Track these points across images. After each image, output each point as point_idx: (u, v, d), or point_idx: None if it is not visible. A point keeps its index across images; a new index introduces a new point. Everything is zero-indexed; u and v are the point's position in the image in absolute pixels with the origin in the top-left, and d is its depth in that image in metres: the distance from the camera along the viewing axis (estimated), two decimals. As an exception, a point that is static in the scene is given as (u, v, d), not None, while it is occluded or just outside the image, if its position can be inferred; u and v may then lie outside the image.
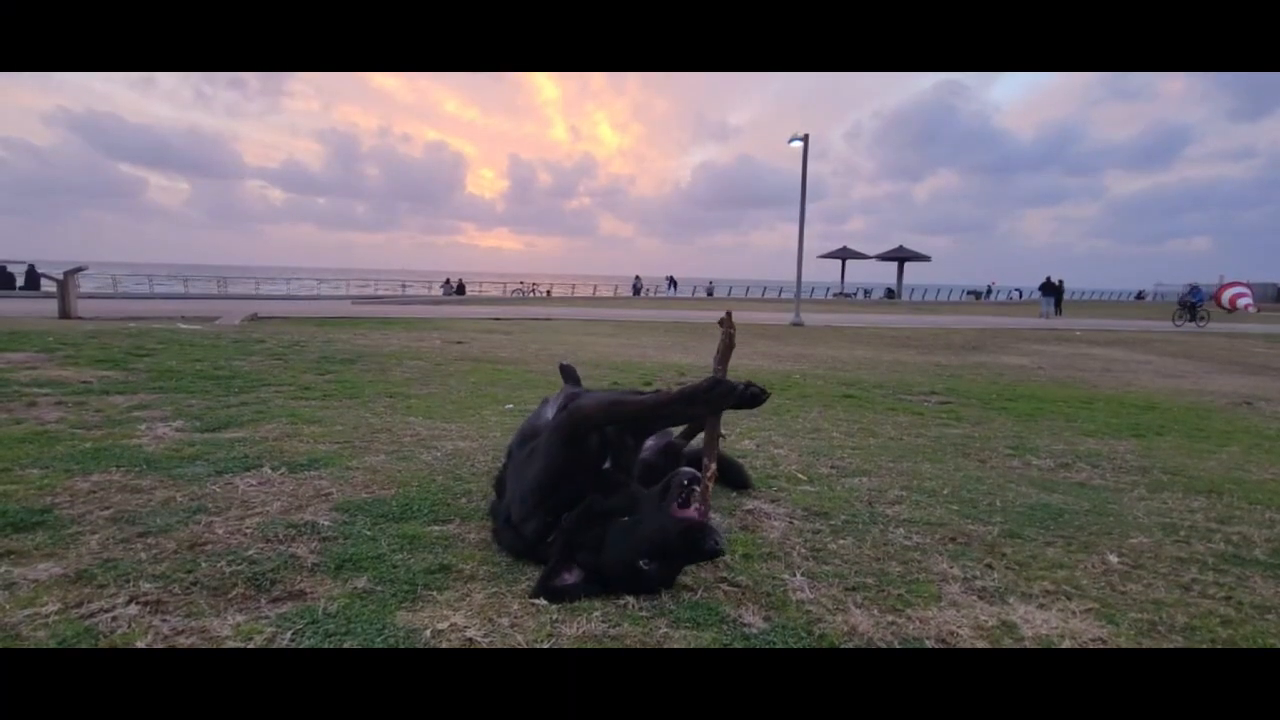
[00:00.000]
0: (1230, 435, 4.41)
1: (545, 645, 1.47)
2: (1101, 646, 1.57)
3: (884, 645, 1.54)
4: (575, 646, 1.47)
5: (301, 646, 1.40)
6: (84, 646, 1.34)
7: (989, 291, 51.53)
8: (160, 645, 1.40)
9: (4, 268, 23.76)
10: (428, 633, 1.49)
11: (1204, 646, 1.59)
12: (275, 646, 1.38)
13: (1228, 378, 8.13)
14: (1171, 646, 1.58)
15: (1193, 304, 25.55)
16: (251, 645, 1.41)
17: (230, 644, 1.41)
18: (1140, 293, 62.23)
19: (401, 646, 1.43)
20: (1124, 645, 1.58)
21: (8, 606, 1.51)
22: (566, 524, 1.77)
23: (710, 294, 46.13)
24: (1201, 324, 24.32)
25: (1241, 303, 32.58)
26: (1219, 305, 33.47)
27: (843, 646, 1.50)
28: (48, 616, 1.47)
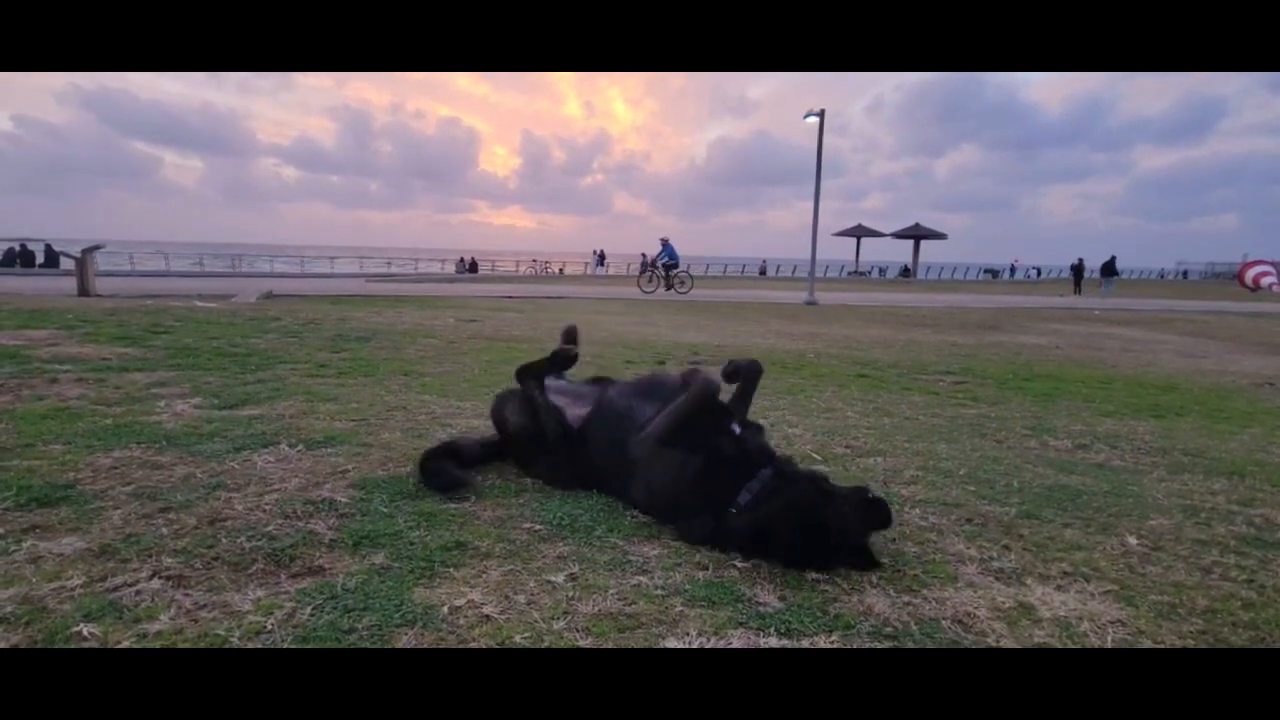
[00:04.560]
0: (1252, 416, 4.34)
1: (560, 623, 1.48)
2: (1124, 645, 1.54)
3: (899, 625, 1.53)
4: (577, 646, 1.44)
5: (303, 647, 1.37)
6: (88, 646, 1.33)
7: (1012, 270, 50.59)
8: (183, 619, 1.42)
9: (25, 245, 24.10)
10: (445, 609, 1.50)
11: (1229, 647, 1.54)
12: (272, 646, 1.35)
13: (1250, 358, 7.99)
14: (1195, 646, 1.53)
15: (667, 265, 19.73)
16: (260, 634, 1.43)
17: (251, 619, 1.43)
18: (1185, 272, 59.38)
19: (402, 645, 1.41)
20: (1143, 627, 1.56)
21: (34, 580, 1.54)
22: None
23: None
24: (682, 290, 18.70)
25: (1266, 282, 31.85)
26: (1242, 284, 32.72)
27: (848, 647, 1.45)
28: (73, 590, 1.50)
